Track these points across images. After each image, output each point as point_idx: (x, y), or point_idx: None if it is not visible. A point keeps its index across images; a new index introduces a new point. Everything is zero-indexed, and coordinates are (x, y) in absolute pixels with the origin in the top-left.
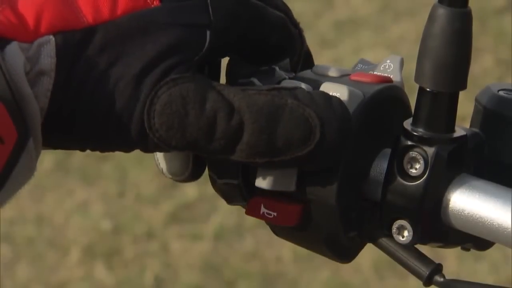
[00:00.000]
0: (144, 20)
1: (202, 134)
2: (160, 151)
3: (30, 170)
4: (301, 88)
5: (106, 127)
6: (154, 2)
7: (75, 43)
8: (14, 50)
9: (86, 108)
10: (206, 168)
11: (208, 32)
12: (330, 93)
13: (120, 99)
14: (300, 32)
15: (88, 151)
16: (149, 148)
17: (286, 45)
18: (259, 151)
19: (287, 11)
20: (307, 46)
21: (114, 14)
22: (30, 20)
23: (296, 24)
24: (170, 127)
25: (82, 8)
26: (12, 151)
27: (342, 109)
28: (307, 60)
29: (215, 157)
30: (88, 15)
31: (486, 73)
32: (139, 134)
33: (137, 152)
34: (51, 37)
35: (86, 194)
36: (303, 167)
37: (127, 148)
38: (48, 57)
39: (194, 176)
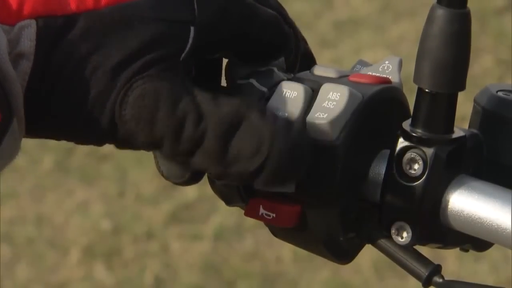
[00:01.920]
0: (127, 13)
1: (169, 133)
2: (128, 146)
3: (14, 151)
4: (268, 106)
5: (79, 115)
6: None
7: (57, 28)
8: None
9: (61, 95)
10: None
11: (192, 28)
12: (331, 94)
13: (95, 88)
14: (295, 32)
15: (88, 151)
16: (118, 141)
17: (279, 43)
18: (212, 158)
19: (280, 10)
20: (308, 47)
21: (98, 4)
22: (13, 2)
23: (290, 23)
24: (139, 120)
25: None
26: None
27: (299, 136)
28: (308, 61)
29: (175, 159)
30: (72, 2)
31: (486, 73)
32: (109, 125)
33: (137, 152)
34: (33, 21)
35: (86, 194)
36: (257, 185)
37: (98, 140)
38: (28, 40)
39: (194, 179)
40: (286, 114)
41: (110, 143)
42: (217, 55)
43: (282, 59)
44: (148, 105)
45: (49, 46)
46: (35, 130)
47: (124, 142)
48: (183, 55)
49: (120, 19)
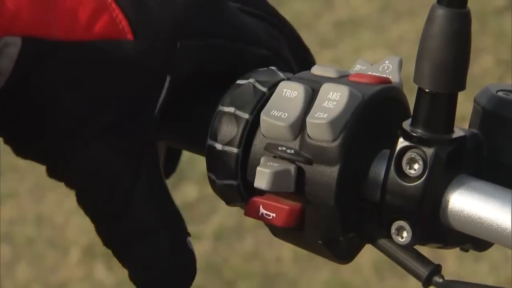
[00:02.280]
0: (112, 52)
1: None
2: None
3: None
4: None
5: (35, 143)
6: (128, 36)
7: (39, 54)
8: None
9: (28, 118)
10: (206, 169)
11: (168, 78)
12: (331, 94)
13: (58, 127)
14: (290, 66)
15: None
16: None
17: (232, 69)
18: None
19: (273, 46)
20: (312, 58)
21: (86, 36)
22: (5, 15)
23: (285, 59)
24: (88, 176)
25: (59, 19)
26: None
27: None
28: (304, 61)
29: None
30: (62, 28)
31: (486, 73)
32: (55, 164)
33: None
34: (19, 39)
35: None
36: None
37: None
38: (7, 59)
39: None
40: (286, 114)
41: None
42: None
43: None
44: (100, 169)
45: (26, 71)
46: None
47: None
48: (158, 104)
49: (103, 58)
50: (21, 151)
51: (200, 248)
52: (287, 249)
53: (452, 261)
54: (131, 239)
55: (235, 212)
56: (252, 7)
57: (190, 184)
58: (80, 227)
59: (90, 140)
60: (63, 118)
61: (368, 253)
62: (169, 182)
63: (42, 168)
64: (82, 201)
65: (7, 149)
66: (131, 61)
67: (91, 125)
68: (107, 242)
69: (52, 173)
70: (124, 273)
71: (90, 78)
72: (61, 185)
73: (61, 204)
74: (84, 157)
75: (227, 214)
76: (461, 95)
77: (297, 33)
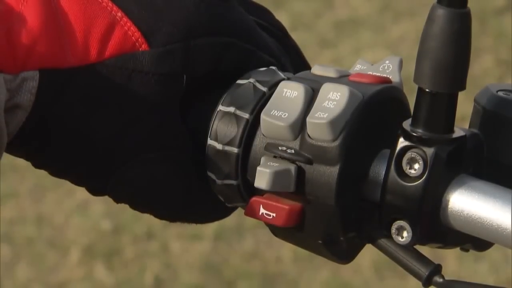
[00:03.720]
0: (129, 66)
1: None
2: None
3: None
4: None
5: (71, 170)
6: (143, 46)
7: (59, 83)
8: None
9: (53, 150)
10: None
11: (184, 77)
12: (331, 93)
13: (89, 157)
14: (259, 48)
15: None
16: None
17: (239, 68)
18: None
19: (279, 57)
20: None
21: (101, 56)
22: (20, 51)
23: (253, 42)
24: (132, 200)
25: (72, 46)
26: None
27: None
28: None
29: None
30: (76, 54)
31: (486, 73)
32: (99, 190)
33: None
34: (36, 72)
35: (86, 194)
36: None
37: (91, 191)
38: (28, 93)
39: None
40: (286, 114)
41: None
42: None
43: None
44: (141, 190)
45: (50, 100)
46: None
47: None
48: (177, 101)
49: (120, 74)
50: (59, 175)
51: (200, 248)
52: (287, 249)
53: (452, 261)
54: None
55: (235, 212)
56: (260, 18)
57: None
58: (80, 227)
59: (128, 159)
60: (92, 144)
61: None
62: None
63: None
64: (140, 210)
65: (7, 149)
66: (149, 70)
67: (123, 144)
68: None
69: (95, 192)
70: (124, 273)
71: (110, 97)
72: (61, 185)
73: (61, 204)
74: (132, 174)
75: None
76: (461, 95)
77: (299, 49)
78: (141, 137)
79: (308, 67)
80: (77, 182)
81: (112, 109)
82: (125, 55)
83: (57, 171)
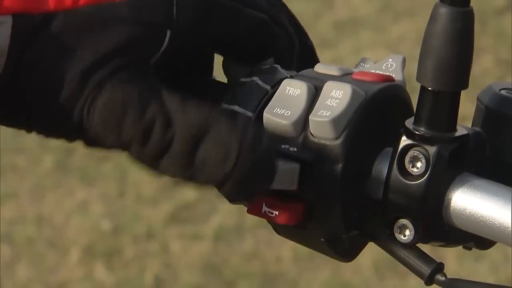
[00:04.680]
0: (105, 14)
1: (137, 138)
2: (97, 147)
3: None
4: (244, 114)
5: (48, 115)
6: None
7: (32, 27)
8: None
9: (32, 94)
10: None
11: (168, 32)
12: (334, 92)
13: (65, 90)
14: (287, 31)
15: (88, 151)
16: (87, 142)
17: (267, 45)
18: (180, 164)
19: (269, 11)
20: (311, 42)
21: (76, 3)
22: None
23: (282, 24)
24: (106, 125)
25: None
26: None
27: (268, 148)
28: (309, 57)
29: (142, 163)
30: (50, 0)
31: (486, 73)
32: (78, 127)
33: None
34: (9, 17)
35: (86, 194)
36: (222, 193)
37: (68, 138)
38: (3, 37)
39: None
40: (289, 112)
41: (80, 141)
42: (203, 54)
43: (271, 60)
44: (115, 111)
45: (24, 44)
46: (7, 119)
47: (93, 143)
48: (154, 58)
49: (96, 19)
50: (46, 133)
51: (200, 248)
52: (287, 249)
53: (452, 261)
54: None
55: (235, 212)
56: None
57: None
58: (80, 227)
59: (98, 87)
60: (61, 84)
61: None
62: (169, 182)
63: (42, 168)
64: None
65: (7, 149)
66: (127, 20)
67: (95, 76)
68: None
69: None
70: (124, 273)
71: (85, 41)
72: (61, 185)
73: (61, 204)
74: (102, 99)
75: (227, 214)
76: (461, 95)
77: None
78: (112, 70)
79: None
80: (58, 123)
81: (86, 50)
82: (101, 3)
83: (35, 118)
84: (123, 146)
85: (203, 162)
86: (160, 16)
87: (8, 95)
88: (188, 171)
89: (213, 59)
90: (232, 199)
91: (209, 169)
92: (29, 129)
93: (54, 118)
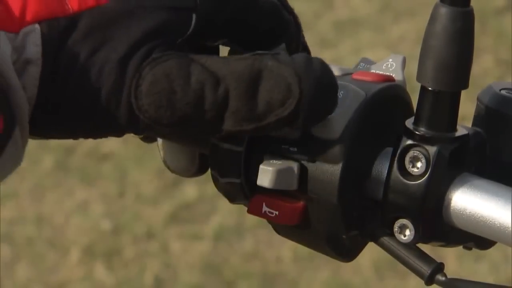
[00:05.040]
0: (130, 4)
1: (191, 108)
2: (152, 132)
3: (17, 160)
4: (283, 52)
5: (94, 113)
6: None
7: (60, 30)
8: (1, 39)
9: (74, 95)
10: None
11: (194, 16)
12: None
13: (106, 84)
14: (295, 18)
15: (87, 152)
16: (140, 130)
17: (278, 30)
18: (243, 116)
19: None
20: (304, 40)
21: (99, 1)
22: (16, 9)
23: (290, 10)
24: (158, 106)
25: None
26: None
27: (322, 66)
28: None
29: (208, 132)
30: (72, 2)
31: (486, 73)
32: (128, 117)
33: (137, 152)
34: (36, 25)
35: (86, 194)
36: (290, 127)
37: (118, 133)
38: (34, 46)
39: (200, 171)
40: None
41: (131, 132)
42: (217, 42)
43: (283, 45)
44: (162, 90)
45: (55, 49)
46: (52, 131)
47: (148, 129)
48: (180, 40)
49: (122, 11)
50: (95, 134)
51: (200, 248)
52: (287, 249)
53: (452, 261)
54: None
55: (235, 212)
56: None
57: (190, 184)
58: (80, 227)
59: (140, 69)
60: (101, 80)
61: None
62: (169, 182)
63: (42, 168)
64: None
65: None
66: (151, 7)
67: (131, 63)
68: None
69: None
70: (124, 273)
71: (114, 35)
72: (61, 185)
73: (61, 204)
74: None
75: (227, 214)
76: (461, 95)
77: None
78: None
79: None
80: (106, 120)
81: (117, 40)
82: None
83: (81, 121)
84: (181, 121)
85: (267, 103)
86: (185, 1)
87: (50, 103)
88: (255, 118)
89: (219, 54)
90: (309, 125)
91: (276, 107)
92: (75, 135)
93: (102, 116)
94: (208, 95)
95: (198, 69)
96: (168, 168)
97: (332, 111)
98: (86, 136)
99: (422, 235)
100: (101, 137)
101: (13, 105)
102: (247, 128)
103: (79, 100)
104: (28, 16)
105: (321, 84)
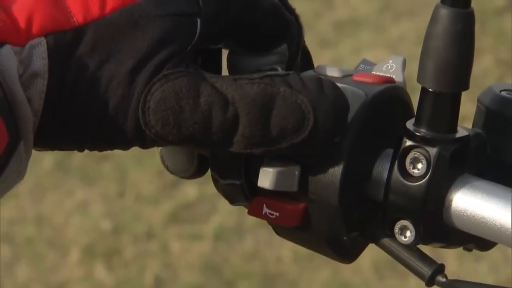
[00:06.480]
0: (133, 14)
1: (198, 128)
2: (158, 146)
3: (20, 173)
4: (293, 73)
5: (101, 126)
6: None
7: (67, 43)
8: (7, 53)
9: (81, 108)
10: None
11: (198, 20)
12: None
13: (113, 98)
14: (296, 18)
15: (87, 151)
16: (146, 144)
17: (280, 31)
18: (255, 141)
19: None
20: (304, 43)
21: (103, 12)
22: (22, 22)
23: (291, 10)
24: (165, 123)
25: (71, 8)
26: (2, 154)
27: (334, 90)
28: (304, 56)
29: (214, 150)
30: (77, 14)
31: (486, 73)
32: (135, 131)
33: (137, 152)
34: (43, 38)
35: (86, 194)
36: (301, 153)
37: (125, 146)
38: (40, 59)
39: (199, 172)
40: None
41: (137, 146)
42: (220, 45)
43: (284, 46)
44: (171, 108)
45: (61, 63)
46: (58, 143)
47: (153, 143)
48: (189, 47)
49: (127, 22)
50: (101, 147)
51: (200, 248)
52: (287, 249)
53: (452, 261)
54: None
55: (235, 212)
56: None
57: (190, 184)
58: (80, 227)
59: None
60: (109, 93)
61: (368, 253)
62: (169, 182)
63: (42, 168)
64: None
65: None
66: (155, 16)
67: (140, 77)
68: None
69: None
70: (124, 273)
71: (120, 46)
72: (61, 185)
73: (61, 204)
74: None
75: (227, 214)
76: (461, 95)
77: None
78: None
79: (312, 67)
80: (112, 133)
81: (124, 52)
82: (127, 6)
83: (87, 134)
84: (187, 139)
85: (281, 130)
86: (187, 6)
87: (56, 115)
88: (267, 143)
89: (221, 57)
90: (321, 148)
91: (290, 134)
92: (81, 147)
93: (108, 129)
94: (217, 117)
95: (208, 89)
96: (167, 168)
97: (344, 132)
98: (92, 148)
99: (423, 236)
100: (107, 149)
101: (18, 119)
102: (256, 151)
103: (86, 113)
104: (34, 29)
105: (335, 110)
